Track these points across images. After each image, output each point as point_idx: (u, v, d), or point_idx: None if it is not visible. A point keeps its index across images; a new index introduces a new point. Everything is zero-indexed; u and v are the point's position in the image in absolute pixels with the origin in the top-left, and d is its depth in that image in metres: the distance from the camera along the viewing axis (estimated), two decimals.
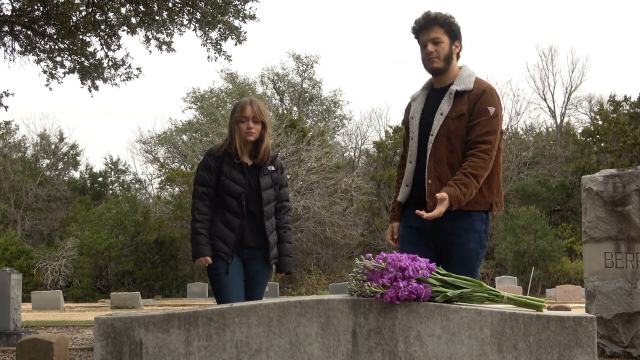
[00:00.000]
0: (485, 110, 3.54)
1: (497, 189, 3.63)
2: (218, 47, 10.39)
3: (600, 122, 34.97)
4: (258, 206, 4.16)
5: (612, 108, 35.38)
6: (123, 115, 63.67)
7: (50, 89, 11.01)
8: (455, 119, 3.55)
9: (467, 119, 3.55)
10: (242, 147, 4.18)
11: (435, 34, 3.64)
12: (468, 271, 3.03)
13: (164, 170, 37.33)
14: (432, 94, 3.75)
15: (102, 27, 10.50)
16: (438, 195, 3.35)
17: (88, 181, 41.70)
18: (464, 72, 3.68)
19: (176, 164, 40.29)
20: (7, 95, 10.99)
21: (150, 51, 11.89)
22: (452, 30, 3.66)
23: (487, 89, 3.61)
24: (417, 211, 3.36)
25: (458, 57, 3.73)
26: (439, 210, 3.33)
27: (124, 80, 10.98)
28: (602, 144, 34.57)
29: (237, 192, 4.13)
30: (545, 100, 41.25)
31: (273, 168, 4.28)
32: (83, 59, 10.81)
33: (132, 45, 24.06)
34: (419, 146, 3.67)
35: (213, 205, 4.17)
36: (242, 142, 4.18)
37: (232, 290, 4.08)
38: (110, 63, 10.86)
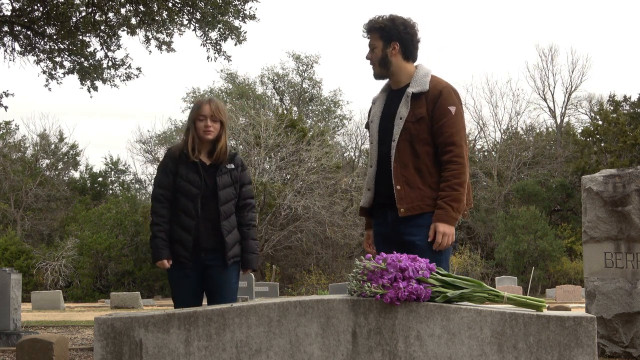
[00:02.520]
0: (446, 111, 3.51)
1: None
2: (218, 47, 10.40)
3: (600, 122, 34.93)
4: (215, 206, 4.12)
5: (612, 108, 35.34)
6: (123, 115, 63.74)
7: (50, 89, 11.03)
8: (415, 123, 3.52)
9: (428, 122, 3.52)
10: (198, 145, 4.16)
11: (371, 40, 3.68)
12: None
13: None
14: (391, 96, 3.71)
15: (102, 27, 10.50)
16: (439, 231, 3.40)
17: (88, 181, 41.63)
18: (419, 73, 3.63)
19: None
20: (7, 95, 11.00)
21: (150, 51, 11.92)
22: (386, 33, 3.62)
23: (445, 88, 3.57)
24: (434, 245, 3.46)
25: (408, 57, 3.66)
26: (441, 237, 3.43)
27: (123, 80, 10.99)
28: (602, 144, 34.54)
29: (193, 194, 4.10)
30: (545, 100, 41.22)
31: (233, 166, 4.24)
32: (82, 59, 10.81)
33: (132, 45, 23.98)
34: (378, 150, 3.65)
35: (172, 208, 4.15)
36: (198, 140, 4.16)
37: (185, 299, 4.09)
38: (110, 63, 10.87)
